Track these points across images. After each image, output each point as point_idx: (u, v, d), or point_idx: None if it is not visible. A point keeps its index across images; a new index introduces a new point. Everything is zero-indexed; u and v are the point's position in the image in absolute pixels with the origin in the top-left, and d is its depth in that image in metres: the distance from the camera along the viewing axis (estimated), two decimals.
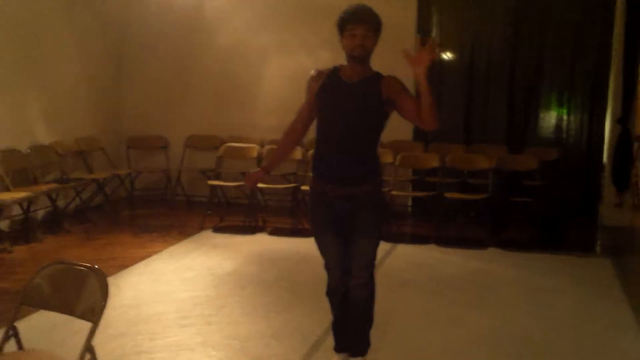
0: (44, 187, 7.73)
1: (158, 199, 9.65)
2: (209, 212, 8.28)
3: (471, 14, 9.03)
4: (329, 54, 8.37)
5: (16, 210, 7.69)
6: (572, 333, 4.93)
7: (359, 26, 3.70)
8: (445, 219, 8.02)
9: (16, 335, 3.16)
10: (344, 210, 3.82)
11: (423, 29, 8.87)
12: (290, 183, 8.30)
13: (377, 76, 3.80)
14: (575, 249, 7.44)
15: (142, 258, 6.74)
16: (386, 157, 8.23)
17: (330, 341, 4.25)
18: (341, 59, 3.83)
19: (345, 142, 3.76)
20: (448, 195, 7.77)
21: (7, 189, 7.33)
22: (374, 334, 4.15)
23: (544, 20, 8.83)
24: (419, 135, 9.04)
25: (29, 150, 7.95)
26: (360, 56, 3.74)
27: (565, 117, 8.89)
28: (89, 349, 2.94)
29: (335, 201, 3.83)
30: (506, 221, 8.12)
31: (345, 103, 3.77)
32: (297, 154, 8.11)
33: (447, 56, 9.16)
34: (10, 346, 3.14)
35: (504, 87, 8.97)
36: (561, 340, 4.78)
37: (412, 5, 9.01)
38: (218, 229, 8.03)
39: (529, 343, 4.71)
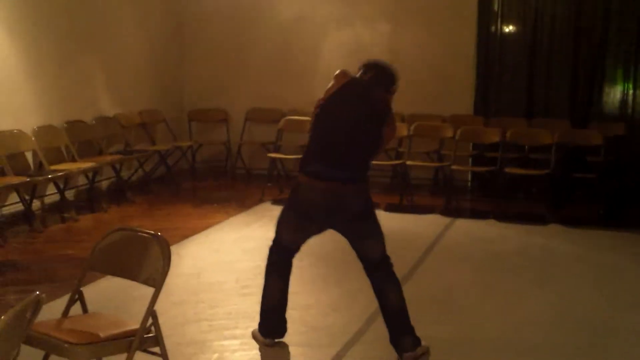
0: (109, 158, 7.91)
1: (219, 171, 9.76)
2: (269, 184, 8.35)
3: None
4: (387, 26, 8.22)
5: (82, 181, 7.88)
6: (633, 312, 4.85)
7: None
8: (505, 195, 7.92)
9: (82, 299, 3.27)
10: None
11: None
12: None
13: None
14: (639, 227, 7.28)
15: (203, 229, 6.85)
16: (446, 132, 8.17)
17: None
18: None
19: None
20: (508, 170, 7.69)
21: (74, 160, 7.52)
22: (436, 307, 4.12)
23: None
24: (480, 109, 8.94)
25: (94, 122, 8.13)
26: None
27: (631, 91, 8.63)
28: (151, 313, 3.02)
29: None
30: (568, 198, 7.97)
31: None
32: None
33: (509, 29, 8.99)
34: (76, 309, 3.25)
35: (568, 60, 8.75)
36: (622, 319, 4.71)
37: None
38: (277, 201, 8.08)
39: (589, 321, 4.66)
